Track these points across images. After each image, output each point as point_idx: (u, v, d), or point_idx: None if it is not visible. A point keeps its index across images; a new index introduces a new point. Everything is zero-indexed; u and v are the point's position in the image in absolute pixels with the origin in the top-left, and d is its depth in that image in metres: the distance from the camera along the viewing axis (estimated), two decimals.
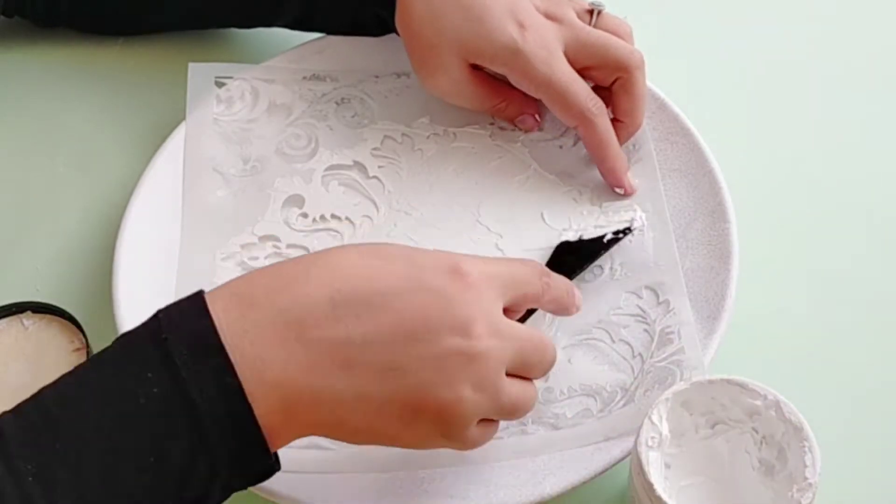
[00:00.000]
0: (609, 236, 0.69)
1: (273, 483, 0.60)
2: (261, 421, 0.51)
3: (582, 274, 0.69)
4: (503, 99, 0.74)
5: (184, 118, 0.76)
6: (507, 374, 0.56)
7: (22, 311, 0.66)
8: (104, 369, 0.52)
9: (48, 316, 0.66)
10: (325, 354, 0.52)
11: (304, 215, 0.72)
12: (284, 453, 0.62)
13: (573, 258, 0.68)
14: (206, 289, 0.54)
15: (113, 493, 0.49)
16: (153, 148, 0.75)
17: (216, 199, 0.73)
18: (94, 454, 0.49)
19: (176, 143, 0.75)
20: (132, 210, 0.71)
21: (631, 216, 0.70)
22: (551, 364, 0.59)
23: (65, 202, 0.77)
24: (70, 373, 0.52)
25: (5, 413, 0.50)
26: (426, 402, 0.53)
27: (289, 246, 0.71)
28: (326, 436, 0.56)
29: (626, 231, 0.70)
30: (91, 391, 0.51)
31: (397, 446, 0.57)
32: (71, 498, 0.48)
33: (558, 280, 0.61)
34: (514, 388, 0.56)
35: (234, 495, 0.61)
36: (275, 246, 0.71)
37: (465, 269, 0.55)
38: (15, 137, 0.80)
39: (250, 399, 0.51)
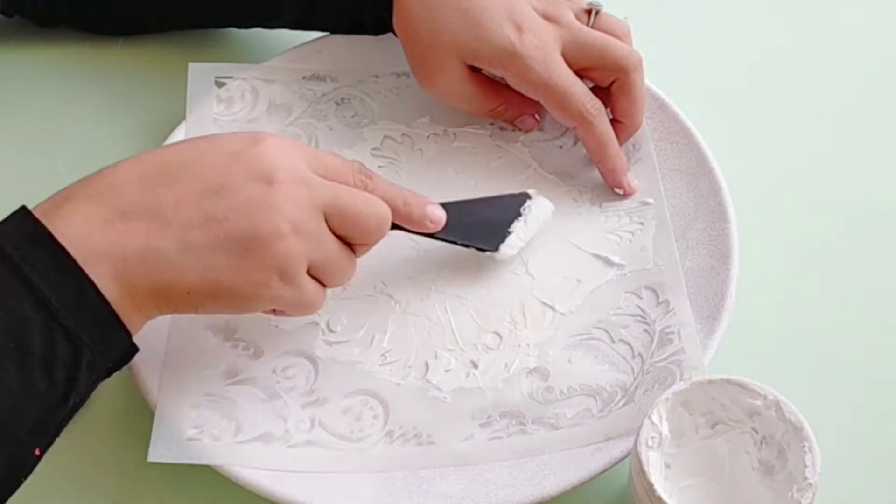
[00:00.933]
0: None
1: (273, 483, 0.61)
2: (104, 294, 0.53)
3: (580, 272, 0.69)
4: (502, 102, 0.74)
5: (184, 118, 0.76)
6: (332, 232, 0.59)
7: None
8: None
9: None
10: (143, 220, 0.55)
11: None
12: (284, 452, 0.62)
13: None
14: None
15: None
16: (153, 148, 0.74)
17: None
18: None
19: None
20: None
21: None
22: (379, 217, 0.61)
23: None
24: None
25: None
26: (249, 240, 0.56)
27: None
28: (169, 307, 0.57)
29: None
30: None
31: (240, 304, 0.58)
32: None
33: (385, 183, 0.62)
34: (336, 244, 0.59)
35: (231, 495, 0.61)
36: None
37: (263, 136, 0.58)
38: (15, 137, 0.80)
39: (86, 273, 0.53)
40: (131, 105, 0.81)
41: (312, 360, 0.66)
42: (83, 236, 0.54)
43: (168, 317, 0.61)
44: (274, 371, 0.66)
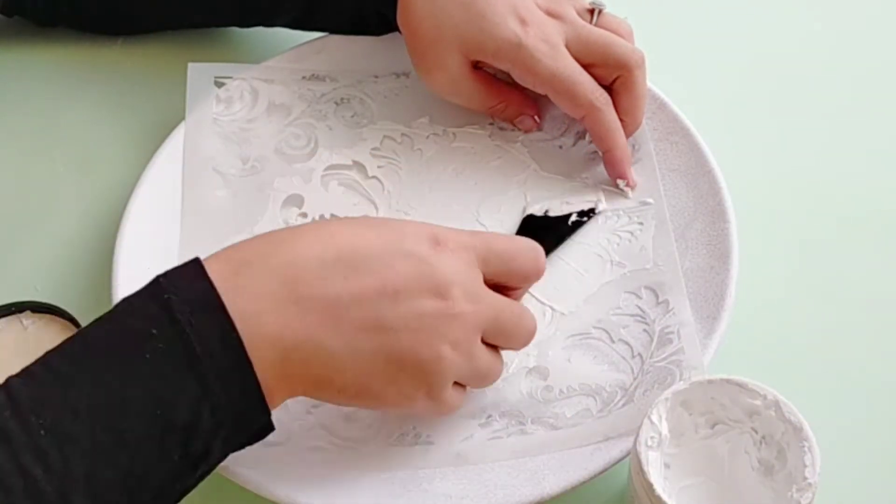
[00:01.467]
0: (574, 218, 0.71)
1: (273, 483, 0.61)
2: (259, 375, 0.53)
3: (579, 272, 0.69)
4: (502, 100, 0.74)
5: (183, 118, 0.76)
6: (484, 343, 0.59)
7: (21, 311, 0.66)
8: (110, 328, 0.53)
9: (47, 316, 0.66)
10: (317, 312, 0.54)
11: (304, 215, 0.72)
12: (284, 452, 0.62)
13: (549, 238, 0.69)
14: None
15: (122, 445, 0.50)
16: (153, 148, 0.75)
17: (216, 199, 0.73)
18: (103, 408, 0.50)
19: (176, 143, 0.75)
20: (132, 210, 0.71)
21: (595, 198, 0.71)
22: (529, 333, 0.61)
23: (65, 202, 0.77)
24: (74, 335, 0.53)
25: (12, 377, 0.51)
26: (409, 359, 0.56)
27: None
28: (315, 395, 0.57)
29: (591, 213, 0.71)
30: (97, 349, 0.52)
31: (381, 406, 0.59)
32: (82, 450, 0.49)
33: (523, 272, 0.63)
34: (486, 354, 0.59)
35: (234, 495, 0.61)
36: None
37: (442, 238, 0.58)
38: (15, 137, 0.80)
39: (249, 354, 0.52)
40: (131, 105, 0.81)
41: None
42: (255, 315, 0.53)
43: None
44: None
